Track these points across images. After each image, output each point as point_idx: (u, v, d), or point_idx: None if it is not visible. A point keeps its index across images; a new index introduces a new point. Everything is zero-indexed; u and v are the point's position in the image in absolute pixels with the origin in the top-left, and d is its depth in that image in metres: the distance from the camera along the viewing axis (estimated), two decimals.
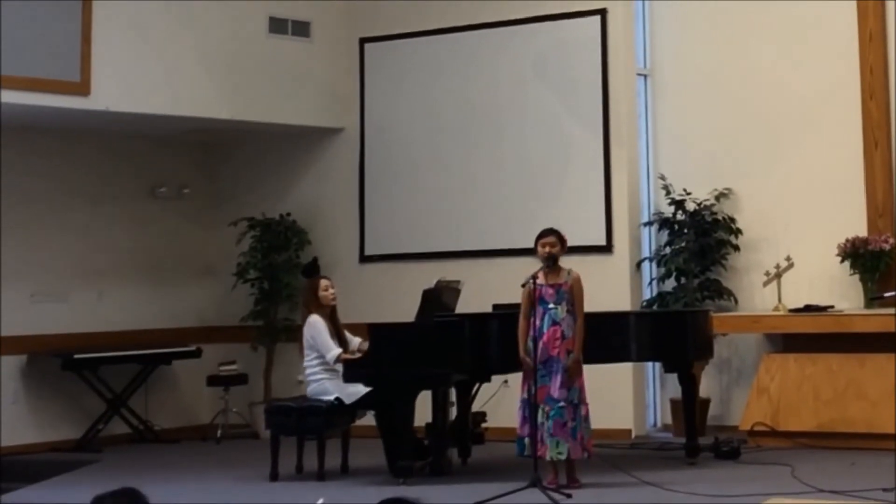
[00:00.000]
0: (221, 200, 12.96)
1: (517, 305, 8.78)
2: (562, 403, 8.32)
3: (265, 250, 12.36)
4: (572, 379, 8.35)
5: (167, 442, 11.75)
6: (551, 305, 8.40)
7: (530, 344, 8.33)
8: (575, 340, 8.38)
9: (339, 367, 9.28)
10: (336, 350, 9.26)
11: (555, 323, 8.39)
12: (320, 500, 7.33)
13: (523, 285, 8.41)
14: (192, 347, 12.15)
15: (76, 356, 11.33)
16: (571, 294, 8.43)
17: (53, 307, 11.58)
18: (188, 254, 12.78)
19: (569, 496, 7.94)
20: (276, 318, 12.34)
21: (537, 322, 8.36)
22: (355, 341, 9.51)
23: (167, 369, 12.22)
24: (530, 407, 8.28)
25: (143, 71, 10.91)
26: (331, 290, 9.56)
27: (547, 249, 8.47)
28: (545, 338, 8.36)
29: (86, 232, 11.95)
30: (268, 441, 9.67)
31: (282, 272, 12.32)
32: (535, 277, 8.37)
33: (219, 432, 11.93)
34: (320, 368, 9.40)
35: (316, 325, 9.38)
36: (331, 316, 9.52)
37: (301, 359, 9.60)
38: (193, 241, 12.83)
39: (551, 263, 8.46)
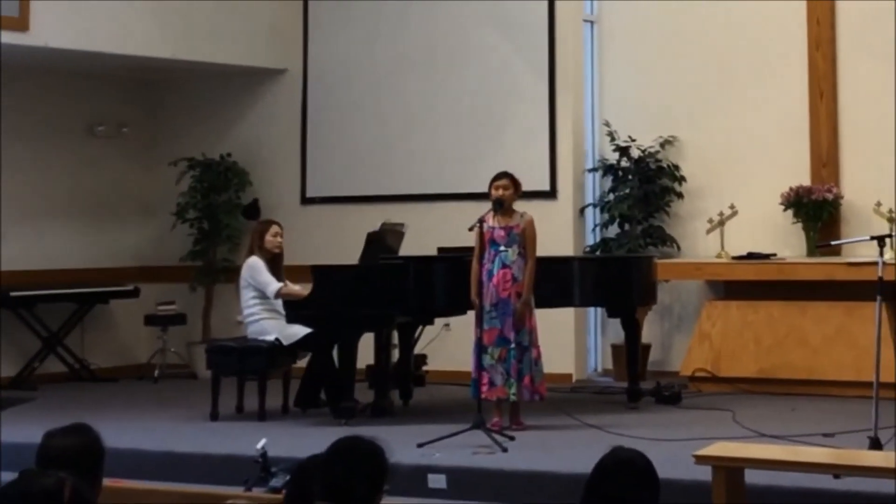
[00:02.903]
0: (161, 139, 12.81)
1: (462, 249, 8.77)
2: (513, 345, 8.32)
3: (205, 190, 12.25)
4: (521, 321, 8.35)
5: (104, 381, 11.65)
6: (502, 248, 8.39)
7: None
8: (525, 283, 8.37)
9: (280, 306, 9.23)
10: (276, 284, 9.25)
11: (505, 265, 8.38)
12: (262, 441, 7.26)
13: (471, 228, 8.39)
14: (130, 287, 12.05)
15: (12, 293, 11.22)
16: (523, 236, 8.42)
17: None
18: (127, 193, 12.62)
19: (512, 438, 7.97)
20: (215, 259, 12.25)
21: (487, 264, 8.35)
22: (296, 287, 9.44)
23: (104, 308, 12.10)
24: (478, 349, 8.27)
25: (83, 7, 10.69)
26: (278, 237, 9.50)
27: (500, 192, 8.45)
28: (495, 280, 8.35)
29: (23, 169, 11.75)
30: (206, 381, 9.66)
31: (221, 213, 12.21)
32: (482, 220, 8.36)
33: (156, 372, 11.85)
34: (260, 308, 9.36)
35: (255, 266, 9.36)
36: (272, 261, 9.44)
37: (238, 300, 9.53)
38: (132, 180, 12.67)
39: (500, 206, 8.43)
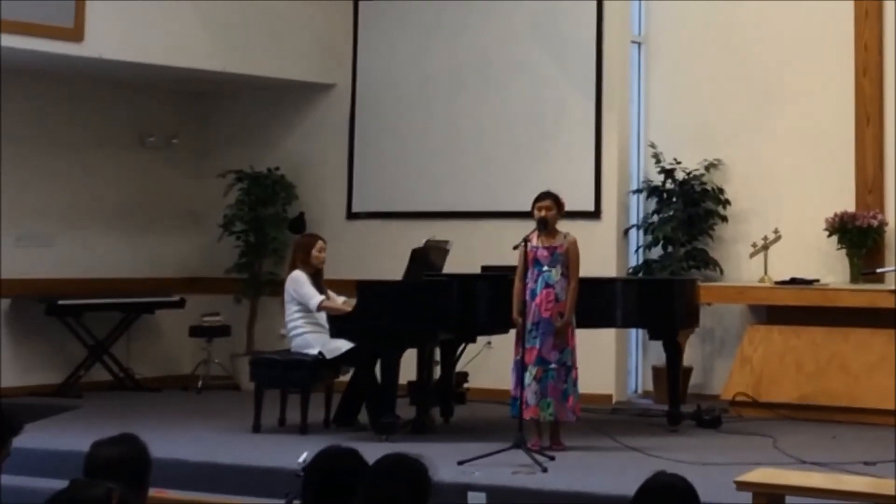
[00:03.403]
0: (210, 151, 12.92)
1: (506, 267, 8.82)
2: (553, 365, 8.36)
3: (252, 203, 12.34)
4: (563, 341, 8.39)
5: (148, 390, 11.74)
6: (546, 268, 8.43)
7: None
8: (567, 303, 8.41)
9: (323, 320, 9.29)
10: (318, 297, 9.29)
11: (548, 285, 8.42)
12: (304, 455, 7.30)
13: (515, 247, 8.44)
14: (176, 297, 12.14)
15: (60, 302, 11.31)
16: (567, 256, 8.47)
17: (39, 252, 11.54)
18: (175, 204, 12.73)
19: (552, 458, 7.99)
20: (260, 272, 12.33)
21: (531, 284, 8.39)
22: (339, 300, 9.51)
23: (150, 318, 12.21)
24: (520, 367, 8.31)
25: (137, 19, 10.82)
26: (323, 253, 9.57)
27: (543, 213, 8.49)
28: (538, 300, 8.39)
29: (74, 178, 11.90)
30: (249, 393, 9.73)
31: (268, 226, 12.30)
32: (527, 239, 8.41)
33: (200, 383, 11.93)
34: (303, 322, 9.42)
35: (298, 279, 9.41)
36: (314, 275, 9.51)
37: (282, 314, 9.61)
38: (181, 191, 12.79)
39: (543, 227, 8.48)
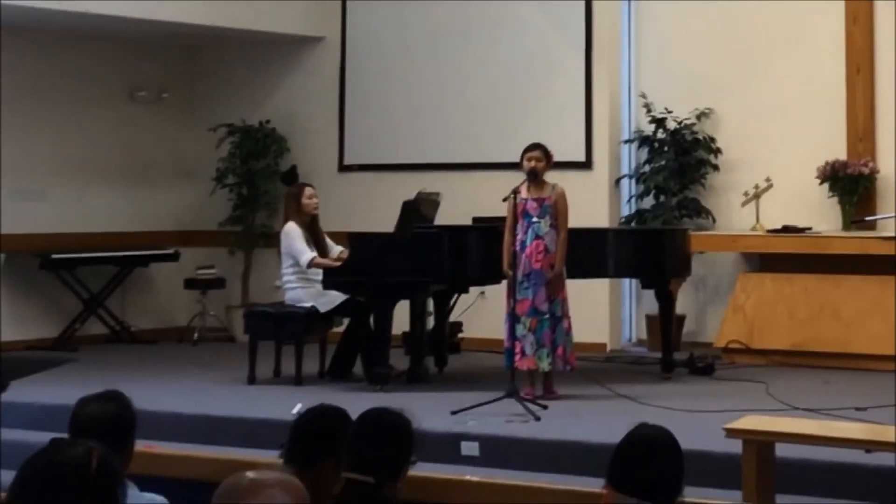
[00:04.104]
0: (201, 106, 12.89)
1: (497, 219, 8.83)
2: (546, 315, 8.40)
3: (244, 156, 12.34)
4: (555, 292, 8.43)
5: (143, 343, 11.79)
6: (535, 219, 8.45)
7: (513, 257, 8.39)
8: (557, 254, 8.44)
9: (316, 273, 9.31)
10: (309, 254, 9.29)
11: (538, 237, 8.45)
12: (298, 405, 7.36)
13: (504, 199, 8.45)
14: (170, 250, 12.18)
15: (54, 256, 11.33)
16: (555, 208, 8.49)
17: (32, 207, 11.54)
18: (167, 158, 12.73)
19: (545, 407, 8.05)
20: (254, 224, 12.36)
21: (520, 235, 8.42)
22: (336, 249, 9.55)
23: (144, 271, 12.24)
24: (512, 319, 8.35)
25: None
26: (314, 199, 9.57)
27: (532, 164, 8.51)
28: (528, 251, 8.43)
29: (66, 133, 11.89)
30: (244, 345, 9.76)
31: (260, 179, 12.31)
32: (516, 191, 8.42)
33: (195, 335, 11.97)
34: (295, 277, 9.44)
35: (290, 233, 9.41)
36: (310, 224, 9.53)
37: (279, 265, 9.64)
38: (172, 145, 12.78)
39: (534, 178, 8.50)
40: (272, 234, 11.96)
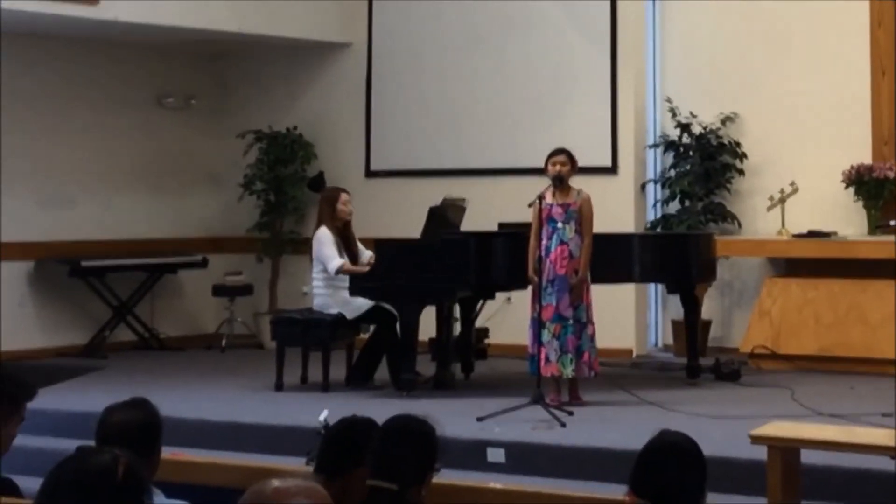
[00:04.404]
0: (229, 112, 12.96)
1: (522, 224, 8.85)
2: (570, 321, 8.42)
3: (271, 163, 12.39)
4: (579, 297, 8.44)
5: (172, 350, 11.84)
6: (560, 224, 8.46)
7: (538, 263, 8.40)
8: (582, 260, 8.46)
9: (343, 280, 9.33)
10: (338, 260, 9.30)
11: (563, 242, 8.46)
12: (324, 412, 7.39)
13: (530, 205, 8.46)
14: (198, 257, 12.22)
15: (83, 263, 11.38)
16: (580, 213, 8.50)
17: (62, 214, 11.63)
18: (195, 164, 12.80)
19: (570, 413, 8.05)
20: (281, 230, 12.41)
21: (545, 241, 8.43)
22: (366, 254, 9.55)
23: (173, 278, 12.30)
24: (537, 325, 8.36)
25: None
26: (349, 205, 9.60)
27: (557, 168, 8.51)
28: (552, 256, 8.44)
29: (94, 141, 11.96)
30: (272, 351, 9.80)
31: (288, 185, 12.35)
32: (542, 197, 8.40)
33: (223, 341, 12.02)
34: (324, 283, 9.46)
35: (321, 238, 9.43)
36: (343, 230, 9.55)
37: (310, 270, 9.66)
38: (200, 151, 12.84)
39: (559, 183, 8.51)
40: (300, 241, 12.06)
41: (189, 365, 11.07)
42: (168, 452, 4.47)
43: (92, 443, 4.06)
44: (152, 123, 12.49)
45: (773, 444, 5.65)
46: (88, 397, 8.70)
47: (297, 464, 7.26)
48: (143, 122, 12.41)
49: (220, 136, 12.81)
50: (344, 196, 9.65)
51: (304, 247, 11.92)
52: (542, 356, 8.37)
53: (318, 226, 9.57)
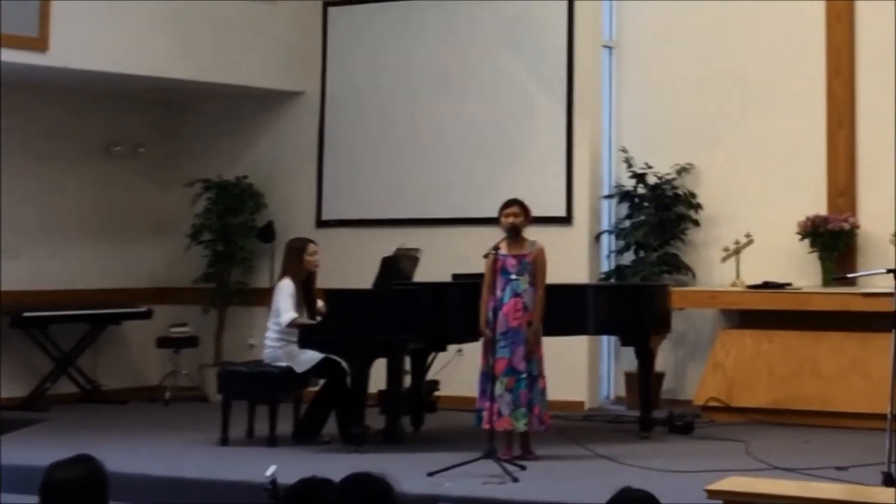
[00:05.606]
0: (178, 160, 12.80)
1: (477, 275, 8.72)
2: (524, 375, 8.27)
3: (220, 212, 12.25)
4: (532, 350, 8.31)
5: (115, 402, 11.62)
6: (514, 276, 8.34)
7: (490, 315, 8.26)
8: (536, 312, 8.33)
9: (294, 333, 9.16)
10: (291, 314, 9.13)
11: (516, 294, 8.32)
12: (272, 468, 7.21)
13: (485, 256, 8.33)
14: (143, 308, 12.03)
15: (25, 314, 11.21)
16: (534, 265, 8.38)
17: (5, 264, 11.38)
18: (142, 213, 12.63)
19: (523, 468, 7.92)
20: (228, 281, 12.25)
21: (498, 293, 8.30)
22: (320, 304, 9.37)
23: (117, 329, 12.09)
24: (489, 378, 8.20)
25: (102, 28, 10.70)
26: (316, 256, 9.45)
27: (510, 220, 8.40)
28: (506, 309, 8.30)
29: (39, 189, 11.77)
30: (217, 404, 9.63)
31: (236, 235, 12.22)
32: (497, 248, 8.29)
33: (167, 394, 11.82)
34: (277, 335, 9.29)
35: (282, 289, 9.26)
36: (306, 281, 9.39)
37: (252, 323, 9.50)
38: (148, 200, 12.67)
39: (514, 234, 8.40)
40: (247, 291, 11.93)
41: (132, 418, 10.87)
42: None
43: (35, 499, 3.94)
44: (100, 172, 12.31)
45: (730, 499, 5.61)
46: (30, 451, 8.49)
47: None
48: (91, 171, 12.24)
49: (169, 185, 12.65)
50: (312, 247, 9.50)
51: (251, 297, 11.83)
52: (494, 410, 8.21)
53: (282, 276, 9.41)
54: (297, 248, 9.51)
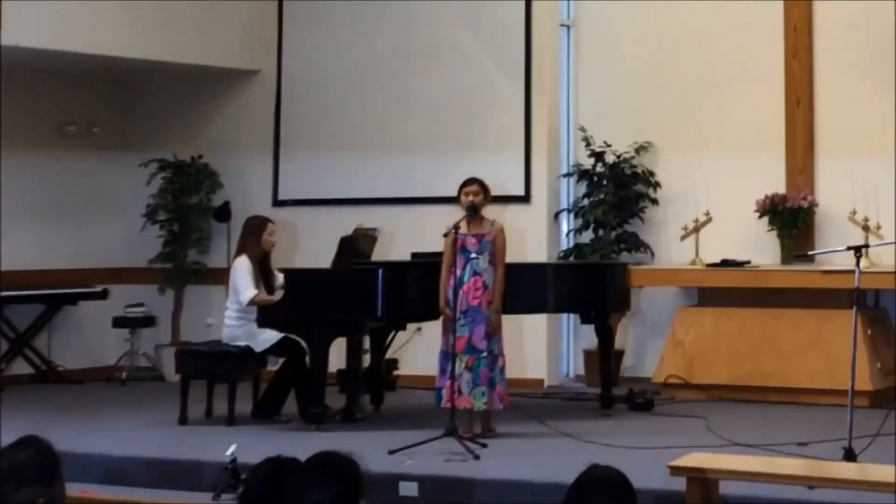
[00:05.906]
0: (132, 140, 12.67)
1: (436, 254, 8.69)
2: (484, 353, 8.25)
3: (176, 192, 12.15)
4: (493, 329, 8.28)
5: (71, 383, 11.52)
6: (473, 255, 8.30)
7: (451, 294, 8.23)
8: (496, 291, 8.30)
9: (253, 312, 9.10)
10: (251, 291, 9.08)
11: (476, 273, 8.30)
12: (232, 447, 7.18)
13: (445, 234, 8.30)
14: (99, 288, 11.91)
15: None
16: (494, 244, 8.34)
17: None
18: (97, 194, 12.48)
19: (484, 445, 7.92)
20: (184, 261, 12.15)
21: (458, 271, 8.26)
22: (280, 278, 9.30)
23: (72, 310, 11.98)
24: (449, 357, 8.17)
25: (55, 7, 10.52)
26: (273, 236, 9.39)
27: (470, 198, 8.37)
28: (465, 287, 8.28)
29: None
30: (174, 384, 9.59)
31: (192, 215, 12.12)
32: (457, 227, 8.27)
33: (124, 374, 11.73)
34: (237, 314, 9.23)
35: (239, 267, 9.20)
36: (263, 260, 9.32)
37: (226, 299, 9.42)
38: (102, 180, 12.53)
39: (473, 213, 8.37)
40: (204, 272, 11.85)
41: (89, 398, 10.76)
42: (77, 490, 4.23)
43: None
44: (53, 152, 12.15)
45: (693, 475, 5.60)
46: None
47: (205, 499, 7.08)
48: (44, 151, 12.07)
49: (124, 165, 12.50)
50: (270, 226, 9.45)
51: (208, 278, 11.75)
52: (454, 388, 8.18)
53: (237, 254, 9.35)
54: (257, 227, 9.44)
